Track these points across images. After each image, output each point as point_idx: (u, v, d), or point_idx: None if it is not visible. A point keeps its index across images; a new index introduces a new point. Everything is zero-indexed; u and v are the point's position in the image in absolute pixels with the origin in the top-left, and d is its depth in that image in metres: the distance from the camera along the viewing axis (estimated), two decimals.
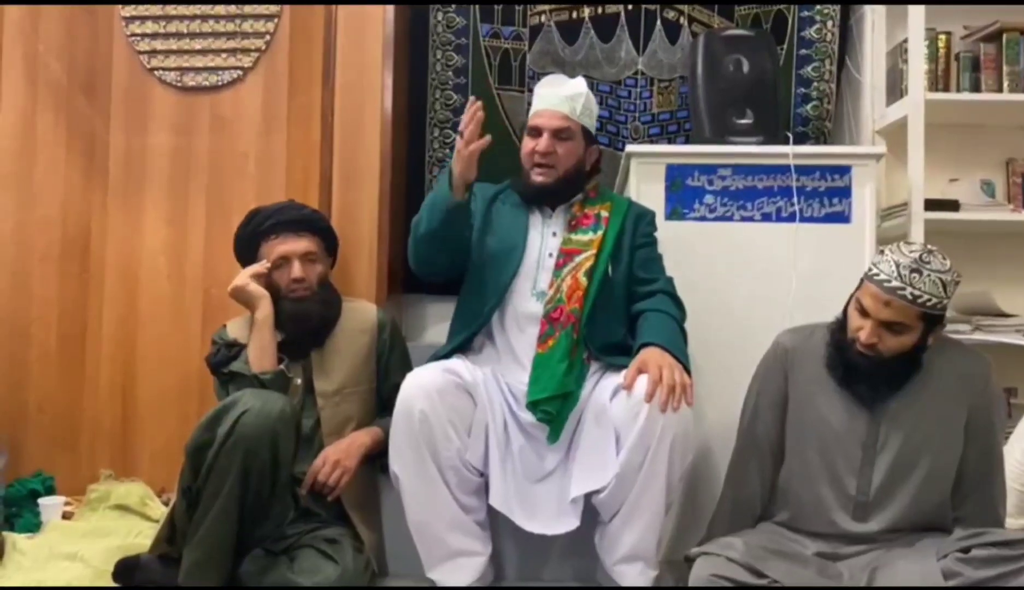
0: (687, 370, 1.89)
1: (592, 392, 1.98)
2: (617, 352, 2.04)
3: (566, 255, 2.06)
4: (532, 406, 1.93)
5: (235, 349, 2.07)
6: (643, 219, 2.18)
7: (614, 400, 1.91)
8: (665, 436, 1.81)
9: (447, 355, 2.06)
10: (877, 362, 1.77)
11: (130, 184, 2.62)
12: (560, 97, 2.12)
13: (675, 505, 1.91)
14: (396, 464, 1.90)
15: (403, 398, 1.89)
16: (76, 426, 2.58)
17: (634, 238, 2.13)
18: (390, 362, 2.20)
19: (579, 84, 2.17)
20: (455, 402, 1.90)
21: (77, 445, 2.57)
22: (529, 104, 2.63)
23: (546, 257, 2.08)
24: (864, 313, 1.77)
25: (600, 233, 2.07)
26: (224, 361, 2.06)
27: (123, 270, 2.61)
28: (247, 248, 2.17)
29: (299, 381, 2.09)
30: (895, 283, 1.72)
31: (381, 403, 2.19)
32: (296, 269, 2.10)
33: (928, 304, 1.71)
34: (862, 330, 1.76)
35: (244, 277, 2.09)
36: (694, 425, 1.89)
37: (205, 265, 2.57)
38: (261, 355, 2.02)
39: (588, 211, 2.12)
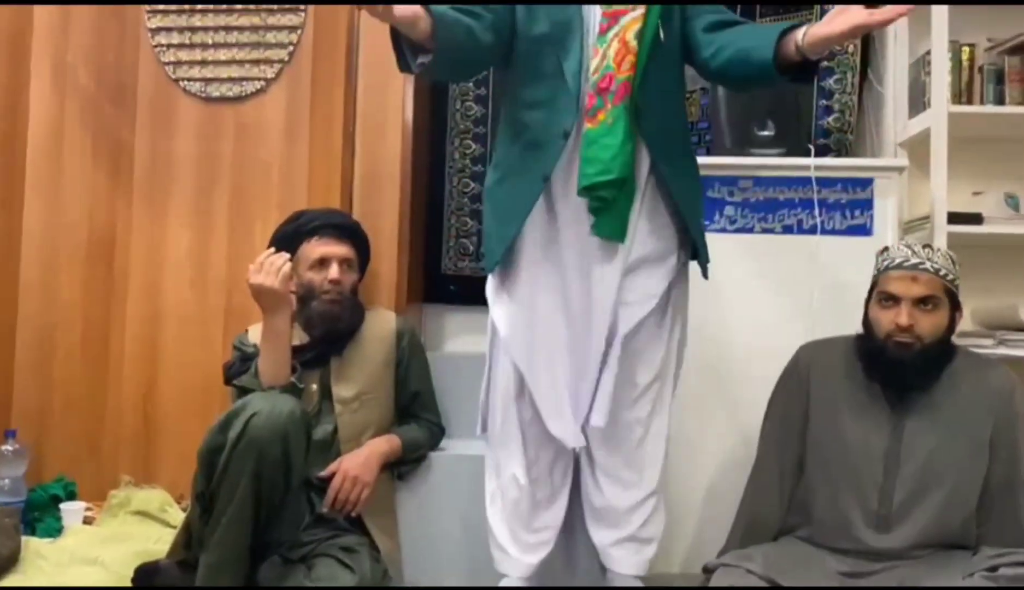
0: None
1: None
2: (675, 156, 1.83)
3: (610, 18, 1.76)
4: (587, 191, 1.72)
5: (247, 364, 2.08)
6: None
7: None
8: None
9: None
10: (918, 350, 1.77)
11: (155, 191, 2.66)
12: None
13: (693, 518, 1.89)
14: None
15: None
16: (98, 430, 2.61)
17: None
18: (408, 370, 2.21)
19: None
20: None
21: (99, 449, 2.60)
22: None
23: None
24: (892, 299, 1.78)
25: None
26: (236, 374, 2.08)
27: (147, 275, 2.64)
28: (286, 245, 2.13)
29: (315, 387, 2.10)
30: (915, 259, 1.78)
31: (399, 411, 2.20)
32: (335, 270, 2.12)
33: (948, 278, 1.78)
34: (898, 316, 1.76)
35: (277, 279, 1.96)
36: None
37: (228, 271, 2.60)
38: (275, 367, 1.99)
39: None
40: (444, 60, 1.64)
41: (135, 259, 2.65)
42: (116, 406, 2.62)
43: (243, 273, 2.51)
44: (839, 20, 1.57)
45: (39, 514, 2.40)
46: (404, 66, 1.66)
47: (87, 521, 2.40)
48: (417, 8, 1.55)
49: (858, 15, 1.54)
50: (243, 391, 1.98)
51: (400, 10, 1.52)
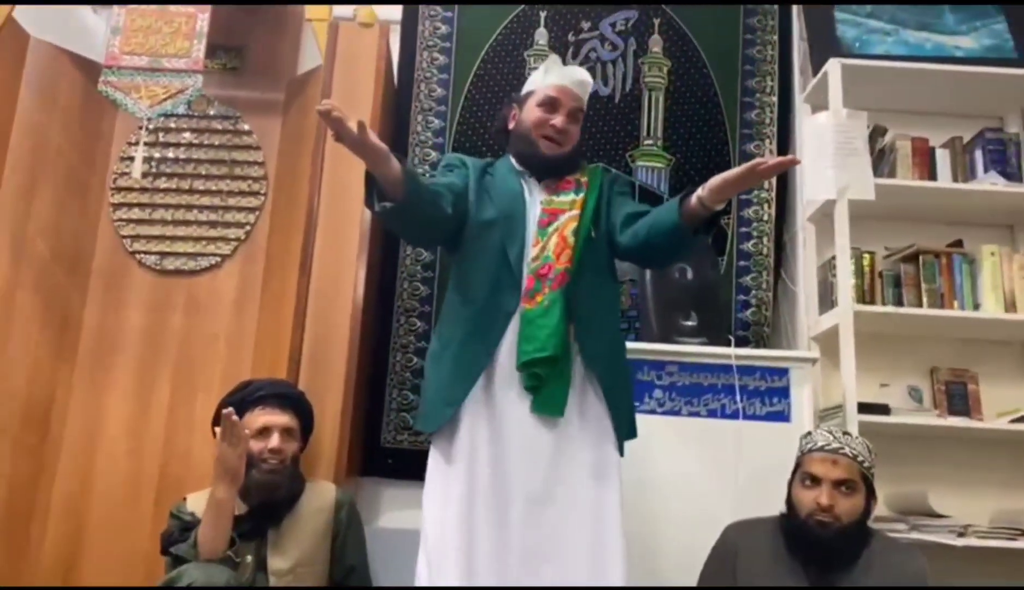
0: None
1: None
2: (605, 340, 1.99)
3: (550, 215, 2.00)
4: (525, 367, 1.87)
5: (187, 533, 2.06)
6: (618, 180, 2.17)
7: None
8: None
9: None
10: (837, 529, 1.88)
11: (99, 360, 2.68)
12: (575, 80, 2.11)
13: None
14: None
15: None
16: None
17: (611, 196, 2.10)
18: (346, 543, 2.20)
19: (586, 73, 2.16)
20: None
21: None
22: None
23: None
24: (814, 480, 1.91)
25: (581, 195, 2.03)
26: (173, 543, 2.07)
27: (81, 445, 2.62)
28: None
29: (249, 559, 2.08)
30: (836, 444, 1.93)
31: (332, 584, 2.18)
32: (275, 440, 2.14)
33: (864, 465, 1.92)
34: (819, 496, 1.89)
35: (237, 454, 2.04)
36: None
37: (165, 442, 2.60)
38: (214, 536, 2.00)
39: (568, 178, 2.08)
40: (407, 211, 1.82)
41: (70, 427, 2.63)
42: (31, 580, 2.51)
43: (181, 443, 2.54)
44: (733, 169, 1.80)
45: None
46: (369, 203, 1.82)
47: None
48: (384, 147, 1.73)
49: (750, 163, 1.78)
50: (177, 561, 1.96)
51: (373, 137, 1.70)
